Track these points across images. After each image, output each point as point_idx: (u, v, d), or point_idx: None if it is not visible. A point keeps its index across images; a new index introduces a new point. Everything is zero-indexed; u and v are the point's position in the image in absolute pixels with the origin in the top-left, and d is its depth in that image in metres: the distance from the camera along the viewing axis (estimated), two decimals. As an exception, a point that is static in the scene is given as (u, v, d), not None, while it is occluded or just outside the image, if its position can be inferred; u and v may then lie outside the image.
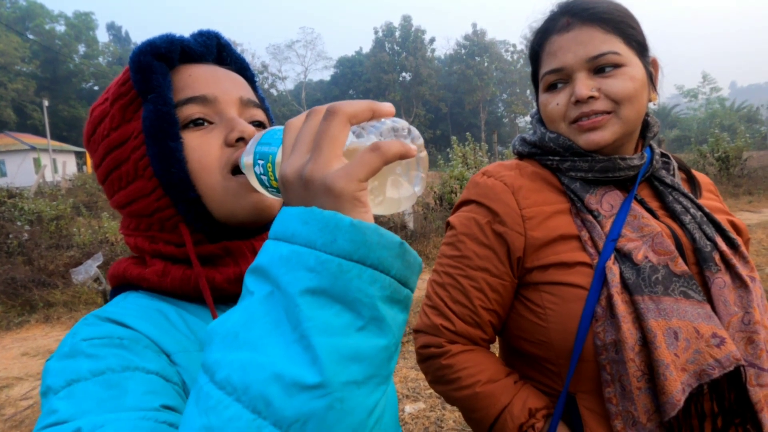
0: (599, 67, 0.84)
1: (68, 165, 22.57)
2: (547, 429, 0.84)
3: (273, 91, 63.58)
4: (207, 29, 0.65)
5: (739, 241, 0.88)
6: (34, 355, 4.67)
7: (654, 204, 0.91)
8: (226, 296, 0.61)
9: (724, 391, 0.78)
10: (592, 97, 0.84)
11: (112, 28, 66.25)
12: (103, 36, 63.98)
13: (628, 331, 0.75)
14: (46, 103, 24.62)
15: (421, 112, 57.83)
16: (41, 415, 0.44)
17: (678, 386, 0.73)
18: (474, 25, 60.84)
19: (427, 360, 0.93)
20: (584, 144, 0.86)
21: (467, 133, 9.73)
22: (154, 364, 0.48)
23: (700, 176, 1.02)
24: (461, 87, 58.88)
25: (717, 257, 0.84)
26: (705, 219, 0.89)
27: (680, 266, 0.81)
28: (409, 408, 3.01)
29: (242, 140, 0.59)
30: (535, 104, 1.00)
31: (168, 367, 0.50)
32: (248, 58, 67.01)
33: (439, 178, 9.16)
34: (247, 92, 0.65)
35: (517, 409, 0.85)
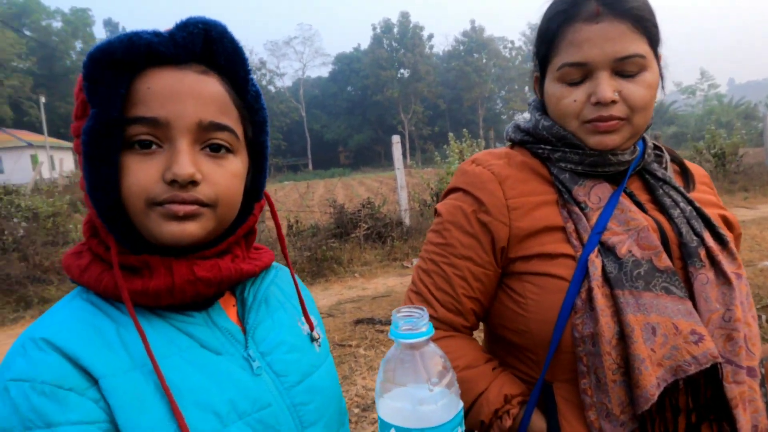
0: (623, 69, 0.81)
1: (65, 162, 22.51)
2: (522, 416, 0.84)
3: (271, 87, 63.38)
4: (197, 19, 0.58)
5: (729, 236, 0.86)
6: (29, 350, 4.68)
7: (643, 197, 0.90)
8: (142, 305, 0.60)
9: (700, 387, 0.78)
10: (613, 101, 0.80)
11: (109, 24, 65.92)
12: (100, 32, 63.59)
13: (606, 325, 0.76)
14: (42, 99, 24.54)
15: (419, 109, 57.75)
16: None
17: (653, 381, 0.73)
18: (472, 22, 60.78)
19: None
20: (594, 145, 0.83)
21: (464, 130, 9.73)
22: (76, 414, 0.52)
23: (694, 168, 1.00)
24: (459, 84, 58.81)
25: (702, 253, 0.83)
26: (694, 213, 0.87)
27: (664, 261, 0.80)
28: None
29: (176, 183, 0.57)
30: (535, 94, 0.96)
31: (90, 407, 0.53)
32: (246, 54, 65.98)
33: (436, 175, 9.17)
34: (212, 112, 0.59)
35: (493, 394, 0.85)
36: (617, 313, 0.76)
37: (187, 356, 0.60)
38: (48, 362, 0.53)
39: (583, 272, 0.79)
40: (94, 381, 0.54)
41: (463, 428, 0.59)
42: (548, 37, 0.85)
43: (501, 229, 0.86)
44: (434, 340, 0.86)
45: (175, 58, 0.57)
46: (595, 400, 0.78)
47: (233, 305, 0.69)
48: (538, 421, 0.84)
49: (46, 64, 44.23)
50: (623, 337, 0.75)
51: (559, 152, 0.88)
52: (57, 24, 47.62)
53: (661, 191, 0.90)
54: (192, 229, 0.58)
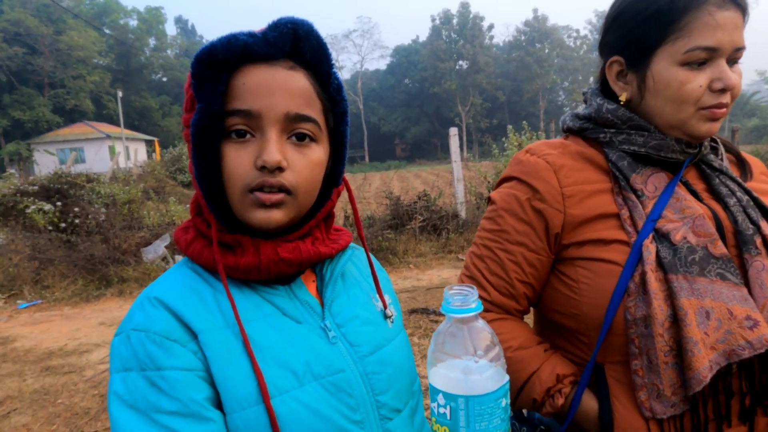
0: (734, 58, 0.83)
1: (139, 152, 23.94)
2: (573, 395, 0.87)
3: (330, 80, 64.21)
4: (285, 19, 0.63)
5: None
6: (110, 325, 5.10)
7: (699, 186, 0.91)
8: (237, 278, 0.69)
9: (755, 371, 0.79)
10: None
11: (179, 21, 69.21)
12: (171, 29, 66.98)
13: (659, 308, 0.77)
14: (120, 93, 26.09)
15: (478, 101, 56.75)
16: (109, 380, 0.63)
17: (705, 363, 0.74)
18: (535, 11, 58.79)
19: None
20: (705, 132, 0.85)
21: (524, 122, 9.52)
22: (179, 361, 0.61)
23: (751, 159, 1.00)
24: (520, 75, 57.20)
25: (759, 241, 0.83)
26: (751, 203, 0.88)
27: (719, 248, 0.81)
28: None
29: (265, 168, 0.64)
30: (606, 83, 0.94)
31: (190, 357, 0.62)
32: (306, 48, 67.25)
33: (493, 168, 9.04)
34: (299, 104, 0.65)
35: (546, 374, 0.88)
36: (670, 296, 0.78)
37: (271, 321, 0.68)
38: (159, 317, 0.63)
39: (636, 257, 0.81)
40: (194, 335, 0.63)
41: (508, 400, 0.63)
42: (669, 18, 0.82)
43: (556, 216, 0.88)
44: (487, 321, 0.87)
45: (266, 56, 0.64)
46: (646, 381, 0.79)
47: (313, 281, 0.77)
48: (589, 400, 0.86)
49: (123, 60, 47.04)
50: (676, 320, 0.77)
51: (623, 134, 0.89)
52: (133, 22, 50.47)
53: (717, 181, 0.90)
54: (277, 216, 0.66)
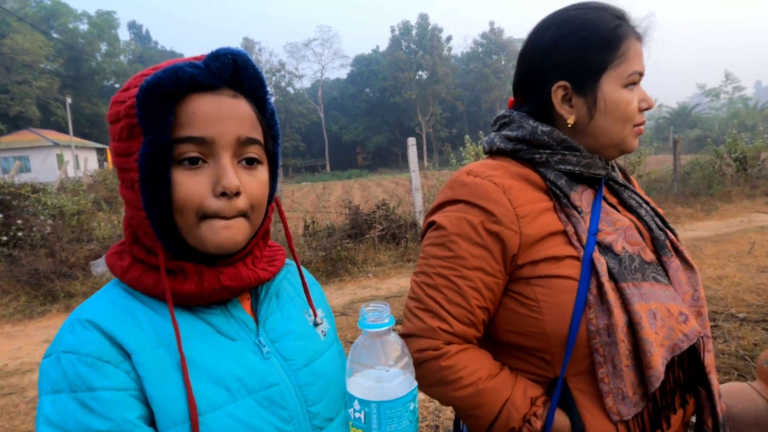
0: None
1: (90, 161, 23.06)
2: (546, 415, 0.87)
3: (290, 89, 63.89)
4: (225, 50, 0.66)
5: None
6: (55, 342, 4.86)
7: (613, 200, 0.99)
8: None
9: (685, 360, 0.89)
10: None
11: (133, 26, 67.26)
12: (124, 34, 65.01)
13: (619, 315, 0.82)
14: (69, 100, 25.16)
15: (438, 111, 57.65)
16: (38, 403, 0.62)
17: (660, 360, 0.82)
18: (491, 23, 60.45)
19: (423, 363, 0.90)
20: (634, 147, 0.94)
21: (480, 132, 9.74)
22: (112, 381, 0.61)
23: (630, 177, 1.12)
24: (478, 85, 58.51)
25: (669, 244, 0.94)
26: (652, 212, 0.99)
27: (649, 255, 0.90)
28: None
29: (224, 195, 0.66)
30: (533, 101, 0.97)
31: (123, 377, 0.63)
32: (265, 56, 67.11)
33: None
34: (247, 129, 0.69)
35: (519, 399, 0.87)
36: (624, 303, 0.83)
37: (206, 339, 0.69)
38: (91, 338, 0.63)
39: (588, 270, 0.85)
40: (127, 355, 0.64)
41: (416, 404, 0.69)
42: (613, 46, 0.89)
43: (512, 237, 0.88)
44: (452, 354, 0.90)
45: (211, 85, 0.66)
46: (611, 387, 0.84)
47: (248, 298, 0.79)
48: (560, 417, 0.87)
49: (73, 66, 45.30)
50: (632, 325, 0.83)
51: (558, 155, 0.92)
52: (83, 26, 48.71)
53: (626, 194, 0.99)
54: (238, 237, 0.69)
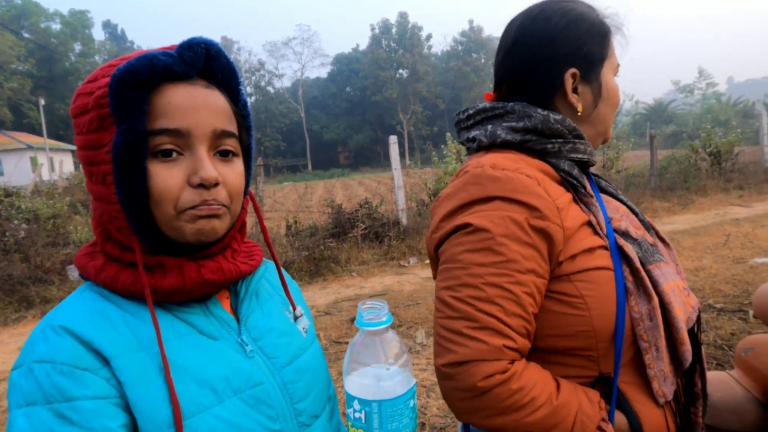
0: None
1: (65, 163, 22.55)
2: (608, 415, 0.82)
3: (270, 88, 63.43)
4: (198, 39, 0.65)
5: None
6: (32, 350, 4.74)
7: (598, 188, 1.00)
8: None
9: (693, 333, 0.91)
10: None
11: (107, 26, 66.01)
12: (98, 34, 63.71)
13: (655, 299, 0.82)
14: (42, 101, 24.58)
15: (418, 109, 57.82)
16: (8, 418, 0.59)
17: (686, 335, 0.83)
18: (470, 22, 60.84)
19: (490, 391, 0.76)
20: (609, 134, 0.99)
21: (461, 130, 9.76)
22: (91, 390, 0.59)
23: None
24: (458, 84, 58.89)
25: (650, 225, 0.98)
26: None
27: (650, 237, 0.93)
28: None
29: (202, 186, 0.64)
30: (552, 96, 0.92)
31: (103, 384, 0.60)
32: (244, 55, 66.53)
33: (434, 175, 9.23)
34: (223, 121, 0.67)
35: (587, 406, 0.79)
36: (654, 285, 0.83)
37: (187, 340, 0.67)
38: (65, 346, 0.60)
39: (618, 257, 0.83)
40: (106, 361, 0.61)
41: (416, 401, 0.69)
42: (608, 37, 0.94)
43: (558, 232, 0.80)
44: (520, 373, 0.77)
45: (184, 75, 0.65)
46: (656, 371, 0.82)
47: (227, 297, 0.77)
48: (617, 415, 0.82)
49: (46, 66, 44.29)
50: (663, 305, 0.83)
51: (570, 144, 0.89)
52: (56, 26, 47.69)
53: (604, 182, 1.01)
54: (218, 225, 0.67)
